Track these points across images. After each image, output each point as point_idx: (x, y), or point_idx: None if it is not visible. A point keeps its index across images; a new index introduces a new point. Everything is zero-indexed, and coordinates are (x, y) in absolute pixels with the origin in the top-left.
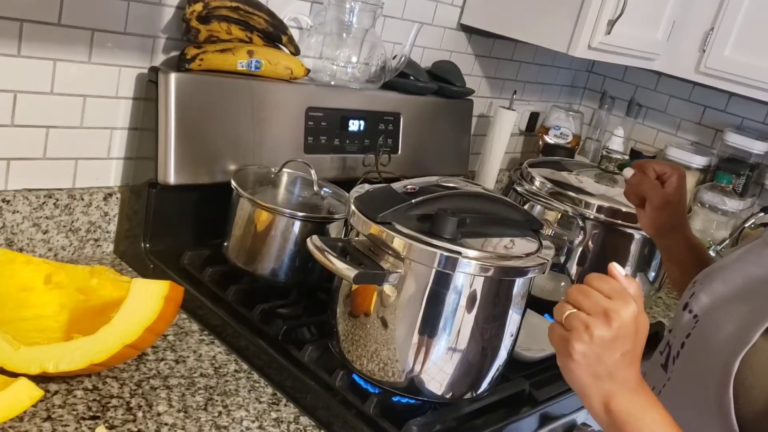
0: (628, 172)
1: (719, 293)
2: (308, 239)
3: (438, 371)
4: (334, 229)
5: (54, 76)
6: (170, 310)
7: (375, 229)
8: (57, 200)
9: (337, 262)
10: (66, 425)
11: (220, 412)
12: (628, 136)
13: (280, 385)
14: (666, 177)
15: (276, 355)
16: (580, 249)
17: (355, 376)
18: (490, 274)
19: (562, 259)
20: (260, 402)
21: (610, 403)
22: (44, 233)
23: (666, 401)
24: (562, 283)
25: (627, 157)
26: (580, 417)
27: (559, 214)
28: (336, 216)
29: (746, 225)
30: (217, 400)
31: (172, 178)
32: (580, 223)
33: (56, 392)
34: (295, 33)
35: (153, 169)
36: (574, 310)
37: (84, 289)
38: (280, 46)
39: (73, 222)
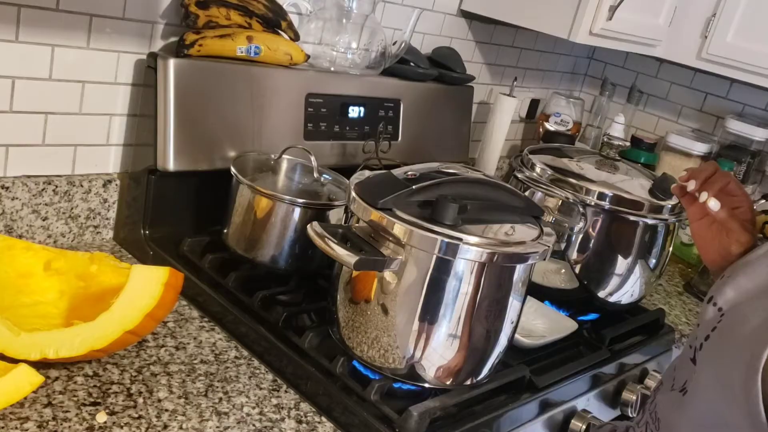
0: (716, 205)
1: (744, 288)
2: (308, 225)
3: (438, 357)
4: (334, 216)
5: (52, 62)
6: (170, 296)
7: (375, 215)
8: (56, 187)
9: (337, 249)
10: (66, 411)
11: (220, 399)
12: (629, 122)
13: (280, 371)
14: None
15: (276, 341)
16: (581, 236)
17: (355, 363)
18: (490, 260)
19: (563, 245)
20: (260, 388)
21: None
22: (44, 220)
23: (694, 393)
24: (563, 270)
25: (628, 144)
26: (581, 403)
27: (560, 201)
28: (336, 203)
29: None
30: (217, 387)
31: (171, 165)
32: (581, 209)
33: (57, 378)
34: (294, 18)
35: (152, 156)
36: None
37: (84, 276)
38: (280, 31)
39: (72, 209)
